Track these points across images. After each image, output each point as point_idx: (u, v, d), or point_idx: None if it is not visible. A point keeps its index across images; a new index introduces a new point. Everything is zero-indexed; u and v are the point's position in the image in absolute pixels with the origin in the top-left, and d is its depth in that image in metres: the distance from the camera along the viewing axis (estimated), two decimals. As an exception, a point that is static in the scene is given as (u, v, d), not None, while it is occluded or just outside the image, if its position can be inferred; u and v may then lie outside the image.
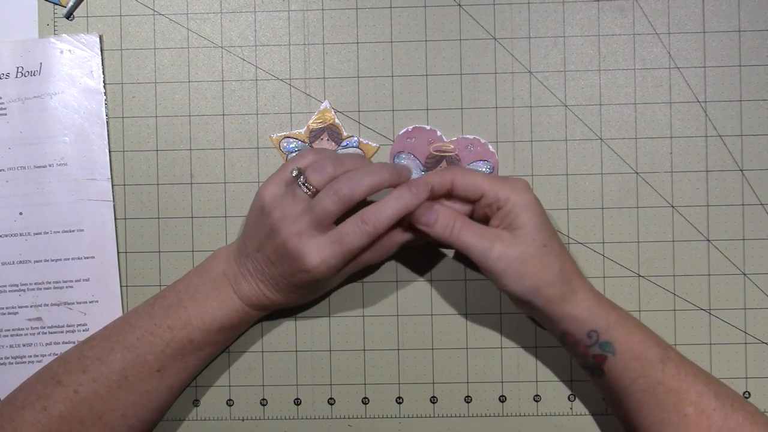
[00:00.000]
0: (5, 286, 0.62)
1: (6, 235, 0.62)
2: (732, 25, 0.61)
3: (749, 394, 0.61)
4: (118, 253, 0.62)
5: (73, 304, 0.62)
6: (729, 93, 0.61)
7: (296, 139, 0.62)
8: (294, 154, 0.59)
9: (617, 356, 0.54)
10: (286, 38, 0.62)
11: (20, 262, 0.62)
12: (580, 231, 0.61)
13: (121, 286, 0.62)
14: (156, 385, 0.56)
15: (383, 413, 0.62)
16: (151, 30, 0.62)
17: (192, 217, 0.62)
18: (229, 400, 0.62)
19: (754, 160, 0.61)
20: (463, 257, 0.61)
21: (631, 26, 0.61)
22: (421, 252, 0.61)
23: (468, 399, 0.62)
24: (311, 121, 0.62)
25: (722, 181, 0.61)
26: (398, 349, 0.62)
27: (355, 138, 0.62)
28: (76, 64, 0.62)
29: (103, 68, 0.62)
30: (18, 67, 0.62)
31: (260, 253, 0.55)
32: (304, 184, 0.54)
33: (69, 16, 0.62)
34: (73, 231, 0.62)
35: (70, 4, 0.62)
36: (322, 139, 0.62)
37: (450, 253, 0.62)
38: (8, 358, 0.62)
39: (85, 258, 0.62)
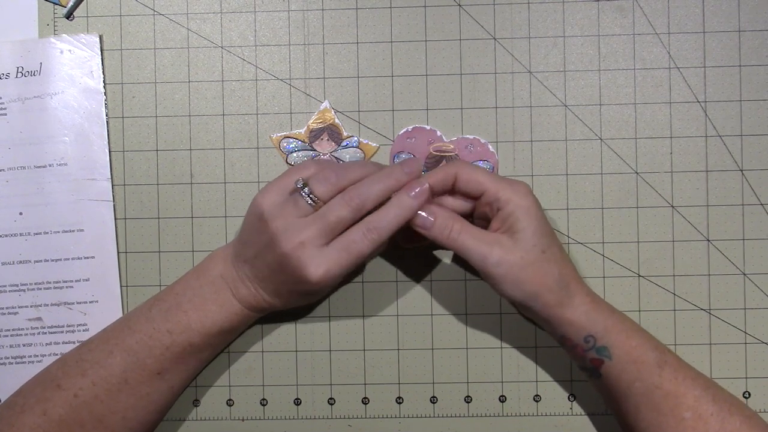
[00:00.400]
0: (5, 286, 0.62)
1: (6, 235, 0.62)
2: (732, 25, 0.61)
3: (749, 394, 0.61)
4: (118, 253, 0.62)
5: (73, 304, 0.62)
6: (729, 93, 0.61)
7: (296, 139, 0.62)
8: (295, 165, 0.58)
9: (614, 361, 0.54)
10: (286, 38, 0.62)
11: (20, 262, 0.62)
12: (580, 231, 0.61)
13: (121, 286, 0.62)
14: (156, 387, 0.56)
15: (383, 413, 0.62)
16: (151, 30, 0.62)
17: (192, 217, 0.62)
18: (229, 400, 0.62)
19: (754, 160, 0.61)
20: (461, 261, 0.61)
21: (631, 26, 0.61)
22: (421, 252, 0.61)
23: (468, 399, 0.62)
24: (311, 121, 0.62)
25: (722, 181, 0.61)
26: (398, 349, 0.62)
27: (355, 138, 0.62)
28: (76, 64, 0.62)
29: (103, 68, 0.62)
30: (18, 67, 0.62)
31: (259, 260, 0.55)
32: (308, 195, 0.54)
33: (69, 16, 0.62)
34: (73, 231, 0.62)
35: (70, 4, 0.62)
36: (322, 139, 0.62)
37: (450, 254, 0.62)
38: (8, 358, 0.62)
39: (85, 258, 0.62)
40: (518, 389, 0.62)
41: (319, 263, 0.53)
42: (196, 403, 0.62)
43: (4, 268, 0.62)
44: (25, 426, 0.54)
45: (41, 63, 0.62)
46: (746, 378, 0.61)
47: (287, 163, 0.62)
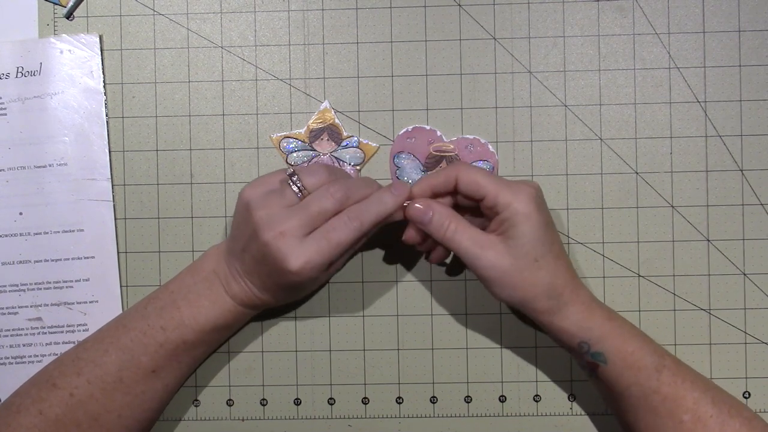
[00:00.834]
0: (5, 286, 0.62)
1: (6, 235, 0.62)
2: (732, 25, 0.61)
3: (749, 394, 0.61)
4: (118, 253, 0.62)
5: (73, 304, 0.62)
6: (729, 93, 0.61)
7: (296, 139, 0.62)
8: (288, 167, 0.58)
9: (609, 365, 0.54)
10: (286, 38, 0.62)
11: (20, 262, 0.62)
12: (580, 231, 0.61)
13: (121, 286, 0.62)
14: (151, 385, 0.56)
15: (383, 413, 0.62)
16: (151, 30, 0.62)
17: (192, 217, 0.62)
18: (229, 400, 0.62)
19: (754, 160, 0.61)
20: (461, 261, 0.61)
21: (631, 26, 0.61)
22: (421, 252, 0.61)
23: (468, 399, 0.62)
24: (311, 121, 0.62)
25: (722, 181, 0.61)
26: (398, 349, 0.62)
27: (355, 138, 0.62)
28: (76, 64, 0.62)
29: (103, 68, 0.62)
30: (18, 67, 0.62)
31: (246, 253, 0.55)
32: (296, 183, 0.54)
33: (69, 16, 0.62)
34: (73, 231, 0.62)
35: (70, 4, 0.62)
36: (322, 139, 0.62)
37: (449, 255, 0.62)
38: (8, 358, 0.62)
39: (85, 258, 0.62)
40: (518, 389, 0.62)
41: (299, 254, 0.52)
42: (196, 403, 0.62)
43: (4, 268, 0.62)
44: (22, 426, 0.54)
45: (41, 63, 0.62)
46: (746, 378, 0.61)
47: (287, 163, 0.62)
